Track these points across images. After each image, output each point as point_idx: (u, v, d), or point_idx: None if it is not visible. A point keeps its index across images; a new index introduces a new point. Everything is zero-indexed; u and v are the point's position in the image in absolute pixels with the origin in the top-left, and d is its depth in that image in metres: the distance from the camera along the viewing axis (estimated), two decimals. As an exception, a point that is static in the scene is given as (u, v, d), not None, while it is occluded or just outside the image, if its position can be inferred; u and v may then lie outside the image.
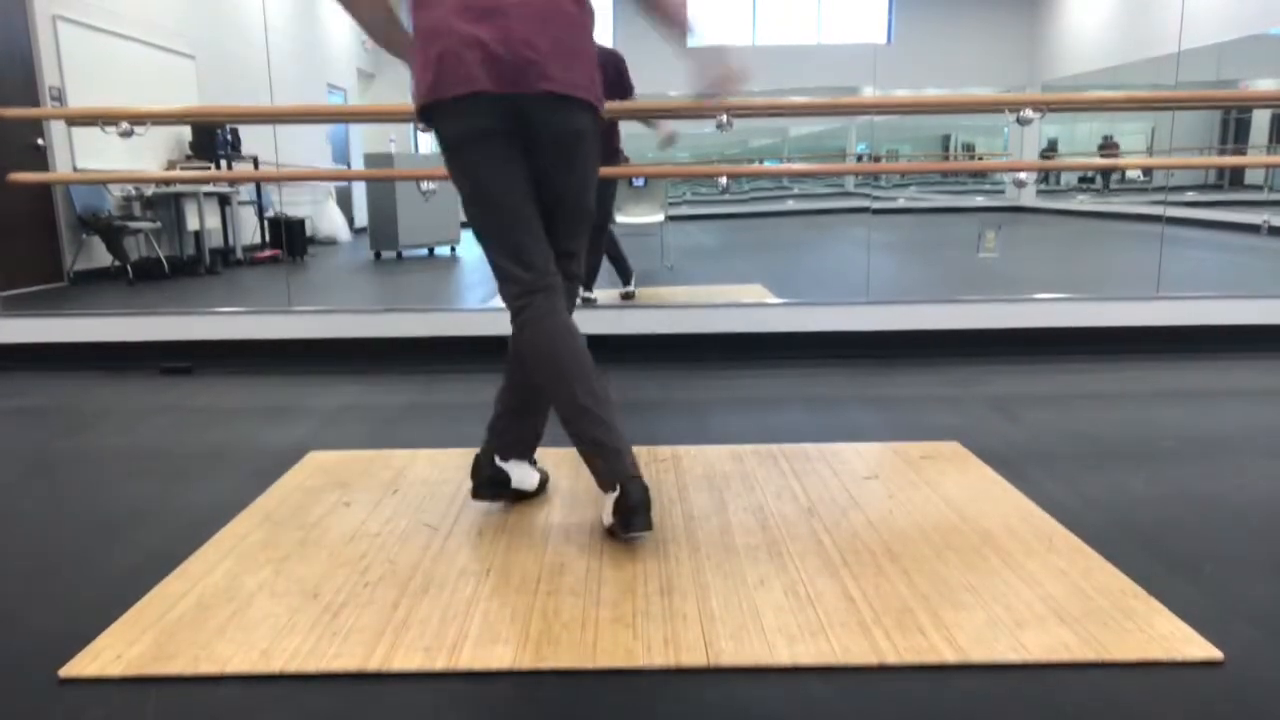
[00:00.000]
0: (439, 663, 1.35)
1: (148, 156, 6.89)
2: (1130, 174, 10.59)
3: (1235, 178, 9.42)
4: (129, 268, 6.09)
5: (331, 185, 8.89)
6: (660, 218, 5.80)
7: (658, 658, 1.35)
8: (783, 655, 1.35)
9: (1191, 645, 1.36)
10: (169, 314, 3.66)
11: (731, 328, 3.57)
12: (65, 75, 6.09)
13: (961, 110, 4.24)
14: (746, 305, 3.62)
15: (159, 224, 6.61)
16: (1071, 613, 1.46)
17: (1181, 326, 3.58)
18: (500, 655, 1.37)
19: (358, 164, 9.74)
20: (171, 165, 7.08)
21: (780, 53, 12.36)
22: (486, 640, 1.41)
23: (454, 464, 2.28)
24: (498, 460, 1.93)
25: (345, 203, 9.01)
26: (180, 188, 6.71)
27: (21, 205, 5.73)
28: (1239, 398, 2.85)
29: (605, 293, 4.62)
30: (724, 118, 3.38)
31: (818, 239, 8.71)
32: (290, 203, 8.06)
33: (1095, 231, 9.29)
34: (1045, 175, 12.24)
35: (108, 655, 1.38)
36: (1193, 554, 1.70)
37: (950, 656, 1.34)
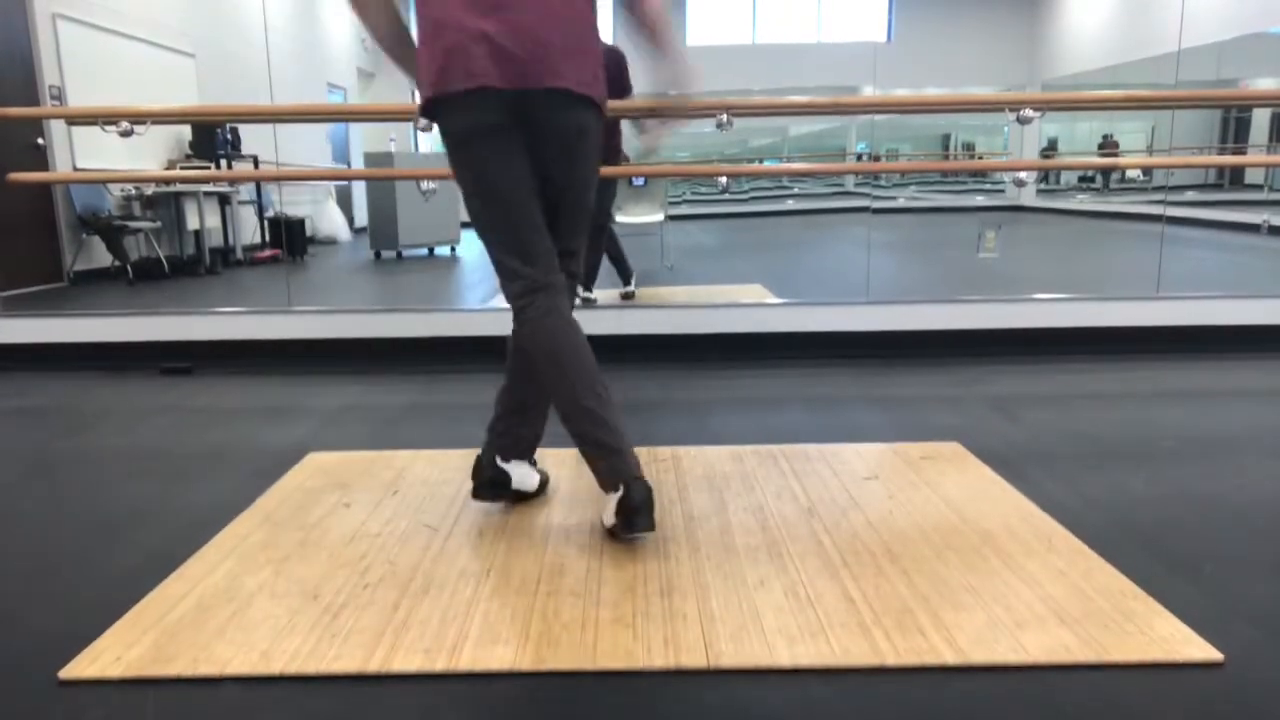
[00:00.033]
0: (439, 664, 1.35)
1: (148, 156, 6.89)
2: (1130, 173, 10.59)
3: (1235, 177, 9.42)
4: (129, 268, 6.09)
5: (331, 185, 8.89)
6: (660, 217, 5.80)
7: (658, 659, 1.35)
8: (783, 656, 1.35)
9: (1191, 646, 1.36)
10: (169, 314, 3.66)
11: (731, 328, 3.57)
12: (65, 74, 6.09)
13: (961, 109, 4.24)
14: (746, 305, 3.62)
15: (159, 224, 6.61)
16: (1071, 614, 1.46)
17: (1182, 326, 3.58)
18: (500, 656, 1.37)
19: (358, 163, 9.74)
20: (171, 165, 7.08)
21: (780, 51, 12.37)
22: (486, 641, 1.41)
23: (454, 464, 2.28)
24: (499, 461, 1.93)
25: (345, 202, 9.01)
26: (180, 187, 6.71)
27: (21, 205, 5.73)
28: (1239, 398, 2.85)
29: (605, 293, 4.62)
30: (724, 117, 3.37)
31: (817, 239, 8.71)
32: (290, 202, 8.06)
33: (1095, 231, 9.29)
34: (1045, 175, 12.24)
35: (107, 656, 1.38)
36: (1193, 554, 1.70)
37: (950, 657, 1.34)
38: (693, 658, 1.35)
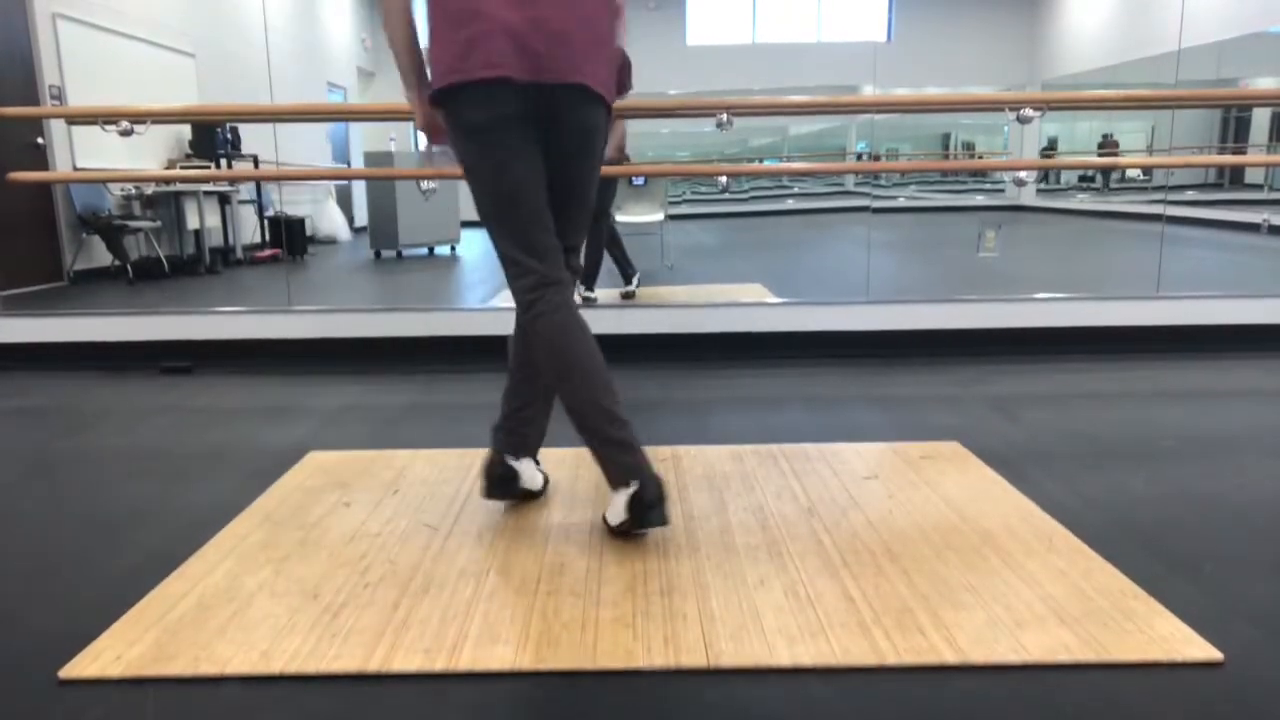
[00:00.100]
0: (439, 663, 1.35)
1: (148, 155, 6.89)
2: (1130, 173, 10.59)
3: (1235, 177, 9.42)
4: (129, 267, 6.09)
5: (331, 184, 8.88)
6: (660, 217, 5.80)
7: (658, 658, 1.35)
8: (783, 656, 1.35)
9: (1191, 646, 1.36)
10: (169, 314, 3.66)
11: (731, 327, 3.57)
12: (65, 74, 6.09)
13: (961, 109, 4.24)
14: (746, 305, 3.62)
15: (159, 223, 6.61)
16: (1071, 613, 1.46)
17: (1181, 326, 3.58)
18: (500, 656, 1.37)
19: (358, 163, 9.74)
20: (171, 164, 7.07)
21: (780, 51, 12.36)
22: (486, 641, 1.41)
23: (454, 464, 2.28)
24: (508, 459, 1.93)
25: (345, 202, 9.01)
26: (180, 187, 6.71)
27: (21, 205, 5.73)
28: (1239, 397, 2.85)
29: (605, 292, 4.62)
30: (724, 116, 3.37)
31: (817, 238, 8.71)
32: (290, 202, 8.06)
33: (1095, 230, 9.29)
34: (1045, 174, 12.24)
35: (108, 656, 1.38)
36: (1193, 554, 1.70)
37: (950, 657, 1.34)
38: (693, 657, 1.35)
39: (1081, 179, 11.55)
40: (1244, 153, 9.26)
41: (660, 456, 2.31)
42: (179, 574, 1.67)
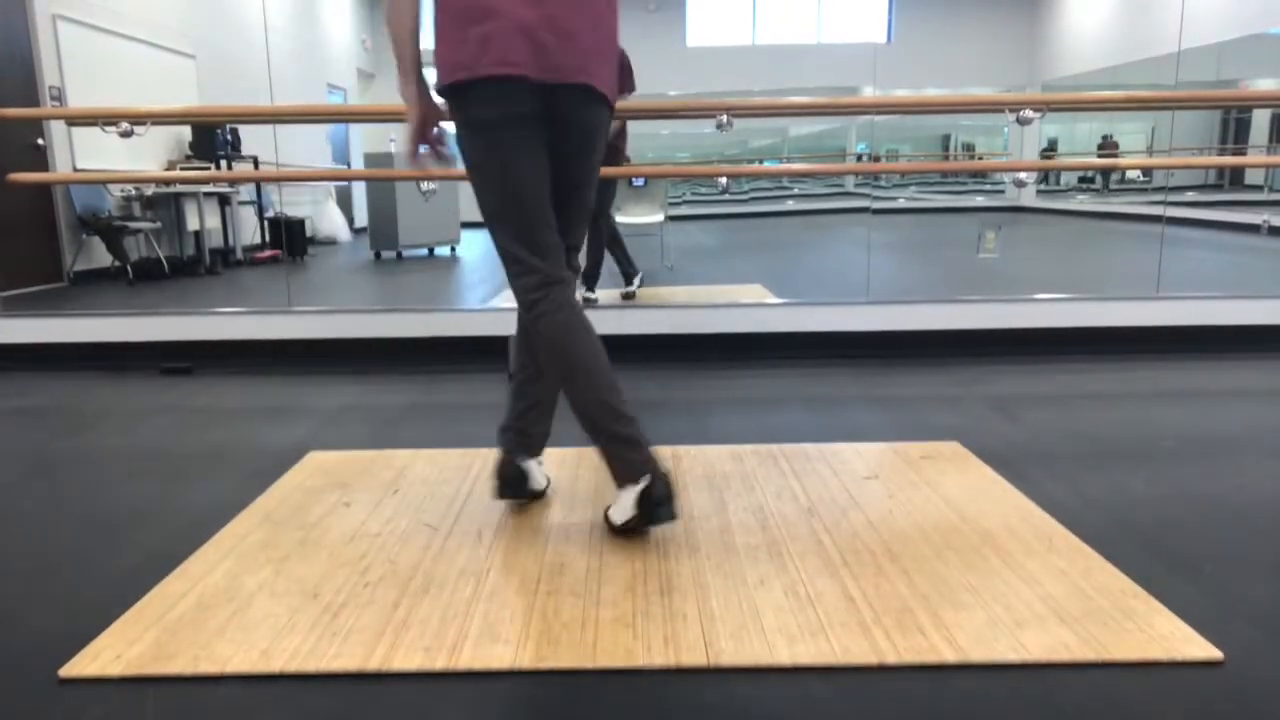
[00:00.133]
0: (439, 663, 1.35)
1: (148, 156, 6.89)
2: (1130, 174, 10.59)
3: (1235, 178, 9.42)
4: (129, 268, 6.09)
5: (331, 185, 8.89)
6: (660, 218, 5.80)
7: (658, 658, 1.35)
8: (783, 655, 1.35)
9: (1191, 645, 1.36)
10: (169, 314, 3.66)
11: (731, 328, 3.57)
12: (65, 75, 6.09)
13: (961, 110, 4.24)
14: (746, 305, 3.62)
15: (159, 224, 6.61)
16: (1071, 613, 1.46)
17: (1181, 326, 3.58)
18: (500, 655, 1.37)
19: (358, 164, 9.74)
20: (171, 165, 7.08)
21: (780, 52, 12.37)
22: (486, 640, 1.41)
23: (454, 464, 2.28)
24: (518, 460, 1.94)
25: (345, 203, 9.01)
26: (180, 188, 6.71)
27: (21, 205, 5.73)
28: (1239, 398, 2.85)
29: (606, 292, 4.62)
30: (724, 118, 3.38)
31: (818, 239, 8.71)
32: (290, 203, 8.06)
33: (1095, 231, 9.29)
34: (1045, 175, 12.24)
35: (108, 655, 1.38)
36: (1193, 554, 1.70)
37: (950, 656, 1.34)
38: (693, 656, 1.35)
39: (1081, 180, 11.55)
40: (1244, 154, 9.26)
41: (660, 456, 2.31)
42: (179, 573, 1.67)
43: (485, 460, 2.30)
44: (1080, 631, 1.40)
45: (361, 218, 8.57)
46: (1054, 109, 3.52)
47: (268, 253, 7.46)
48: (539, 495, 2.03)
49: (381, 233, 7.36)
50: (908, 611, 1.48)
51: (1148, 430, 2.51)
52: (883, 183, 10.73)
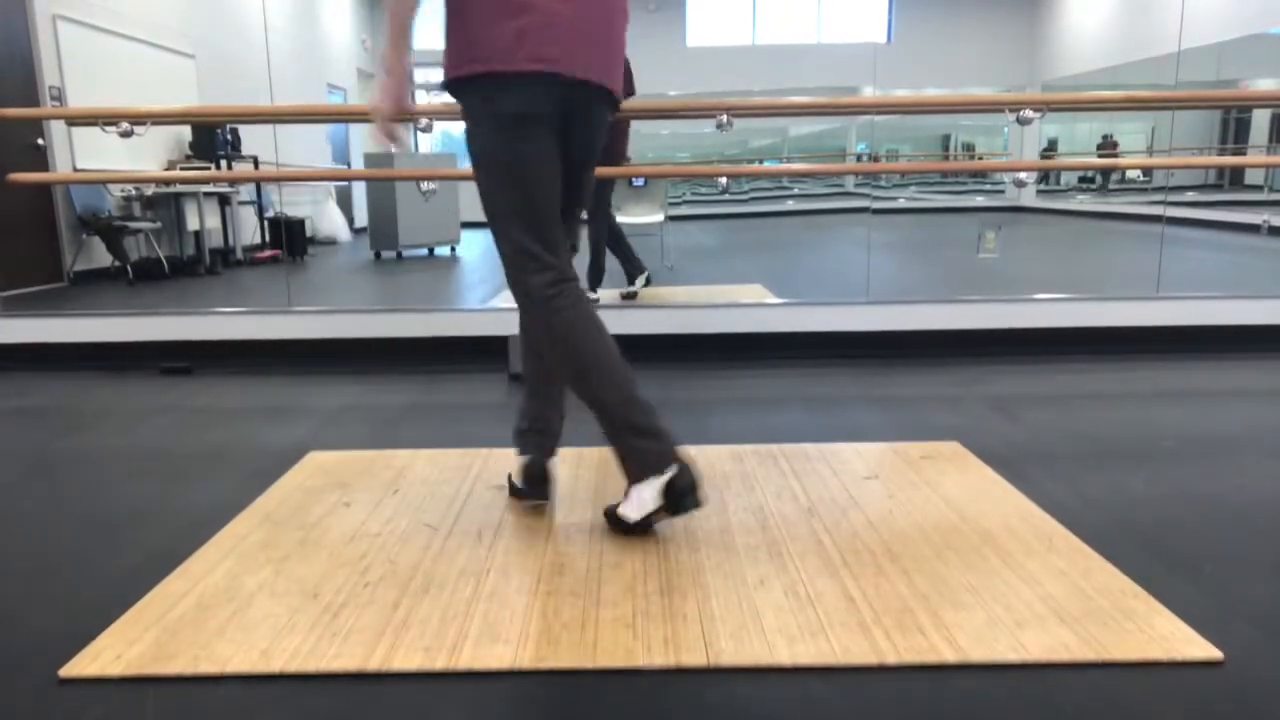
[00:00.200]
0: (439, 663, 1.35)
1: (148, 156, 6.89)
2: (1130, 174, 10.59)
3: (1235, 178, 9.42)
4: (129, 268, 6.09)
5: (331, 185, 8.89)
6: (660, 218, 5.80)
7: (658, 658, 1.35)
8: (783, 655, 1.35)
9: (1191, 645, 1.36)
10: (169, 314, 3.66)
11: (731, 328, 3.57)
12: (65, 75, 6.09)
13: (961, 110, 4.24)
14: (746, 305, 3.62)
15: (159, 224, 6.61)
16: (1071, 613, 1.46)
17: (1182, 326, 3.58)
18: (500, 655, 1.37)
19: (358, 164, 9.74)
20: (171, 165, 7.08)
21: (780, 52, 12.37)
22: (486, 640, 1.41)
23: (454, 464, 2.28)
24: (543, 460, 1.95)
25: (345, 203, 9.01)
26: (180, 188, 6.71)
27: (21, 205, 5.73)
28: (1239, 398, 2.85)
29: (606, 292, 4.62)
30: (724, 118, 3.37)
31: (818, 239, 8.71)
32: (290, 203, 8.06)
33: (1095, 231, 9.29)
34: (1045, 175, 12.24)
35: (108, 655, 1.38)
36: (1193, 554, 1.70)
37: (950, 656, 1.34)
38: (693, 657, 1.35)
39: (1081, 180, 11.55)
40: (1244, 154, 9.26)
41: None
42: (179, 573, 1.67)
43: (485, 460, 2.30)
44: (1080, 631, 1.40)
45: (361, 218, 8.57)
46: (1054, 109, 3.52)
47: (268, 253, 7.46)
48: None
49: (381, 233, 7.36)
50: (908, 611, 1.48)
51: (1148, 430, 2.51)
52: (883, 183, 10.73)
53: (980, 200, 12.00)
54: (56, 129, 6.02)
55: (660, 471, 1.71)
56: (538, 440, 1.95)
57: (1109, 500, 1.99)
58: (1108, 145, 11.35)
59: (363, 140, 9.85)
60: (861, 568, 1.65)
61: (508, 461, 2.29)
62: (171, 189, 6.74)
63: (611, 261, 4.70)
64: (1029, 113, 3.32)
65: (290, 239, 7.25)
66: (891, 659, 1.34)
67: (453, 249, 7.82)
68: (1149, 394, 2.91)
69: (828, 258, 6.62)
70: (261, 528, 1.88)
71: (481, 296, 5.00)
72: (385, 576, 1.64)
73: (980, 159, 12.98)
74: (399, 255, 7.36)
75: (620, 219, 4.86)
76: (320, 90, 9.48)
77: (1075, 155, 11.80)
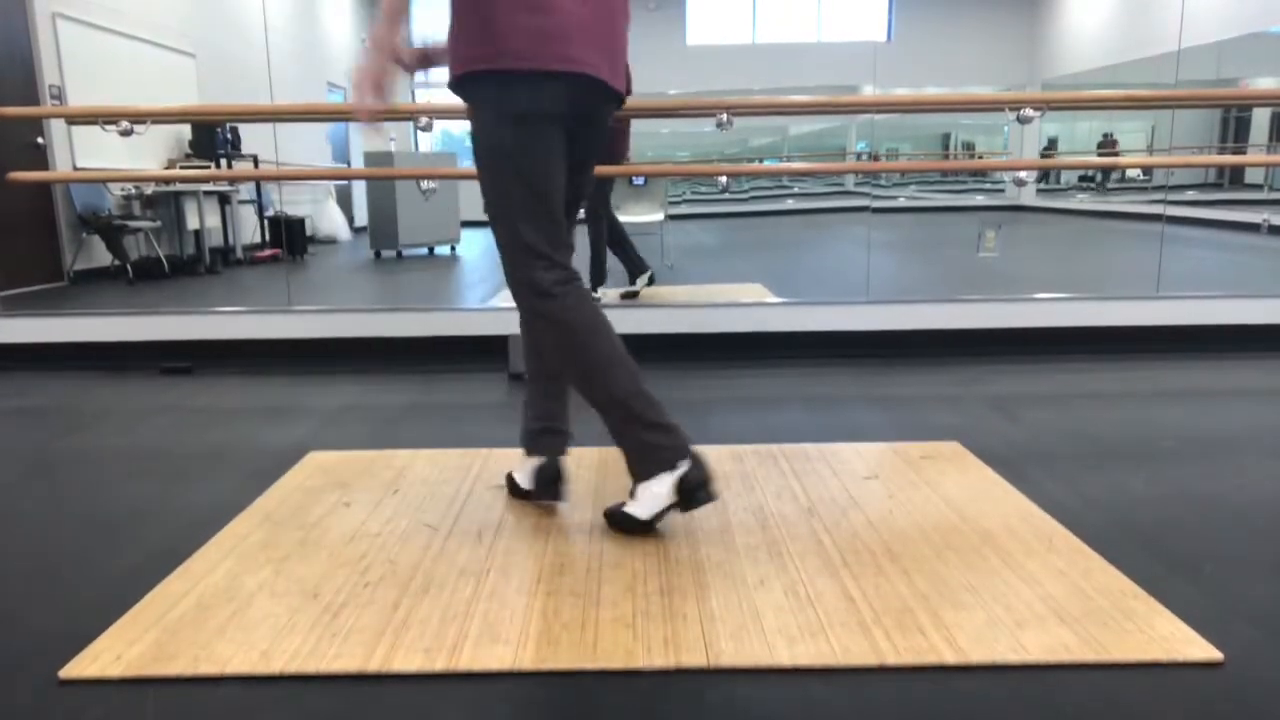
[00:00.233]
0: (439, 663, 1.35)
1: (148, 156, 6.89)
2: (1130, 173, 10.59)
3: (1235, 177, 9.42)
4: (129, 267, 6.09)
5: (331, 184, 8.88)
6: (660, 217, 5.80)
7: (658, 658, 1.35)
8: (783, 655, 1.35)
9: (1192, 646, 1.36)
10: (169, 314, 3.66)
11: (731, 327, 3.57)
12: (65, 74, 6.09)
13: (961, 109, 4.24)
14: (746, 305, 3.62)
15: (159, 223, 6.61)
16: (1071, 613, 1.46)
17: (1182, 326, 3.58)
18: (500, 656, 1.37)
19: (358, 163, 9.74)
20: (171, 164, 7.08)
21: (780, 51, 12.36)
22: (486, 641, 1.41)
23: (454, 464, 2.28)
24: (557, 460, 1.95)
25: (345, 202, 9.01)
26: (180, 187, 6.71)
27: (21, 204, 5.73)
28: (1239, 398, 2.85)
29: (606, 292, 4.62)
30: (724, 116, 3.37)
31: (817, 238, 8.70)
32: (290, 202, 8.06)
33: (1095, 231, 9.29)
34: (1045, 174, 12.24)
35: (107, 656, 1.38)
36: (1193, 554, 1.70)
37: (950, 657, 1.34)
38: (693, 657, 1.35)
39: (1081, 179, 11.55)
40: (1244, 153, 9.26)
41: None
42: (179, 574, 1.67)
43: (485, 460, 2.30)
44: (1080, 632, 1.40)
45: (361, 217, 8.56)
46: (1054, 108, 3.52)
47: (268, 252, 7.46)
48: (531, 494, 2.03)
49: (381, 232, 7.36)
50: (908, 612, 1.48)
51: (1148, 430, 2.51)
52: (883, 182, 10.73)
53: (980, 199, 12.00)
54: (56, 128, 6.01)
55: (674, 466, 1.72)
56: (550, 440, 1.95)
57: (1109, 500, 1.99)
58: (1108, 144, 11.35)
59: (362, 139, 9.85)
60: (861, 568, 1.65)
61: (508, 461, 2.29)
62: (171, 188, 6.74)
63: (612, 261, 4.70)
64: (1029, 111, 3.32)
65: (290, 238, 7.25)
66: (891, 659, 1.34)
67: (453, 248, 7.82)
68: (1149, 394, 2.91)
69: (828, 257, 6.62)
70: (261, 528, 1.88)
71: (481, 296, 5.00)
72: (385, 576, 1.64)
73: (980, 158, 12.97)
74: (399, 254, 7.36)
75: (620, 218, 4.86)
76: (320, 90, 9.48)
77: (1075, 154, 11.79)
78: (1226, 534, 1.79)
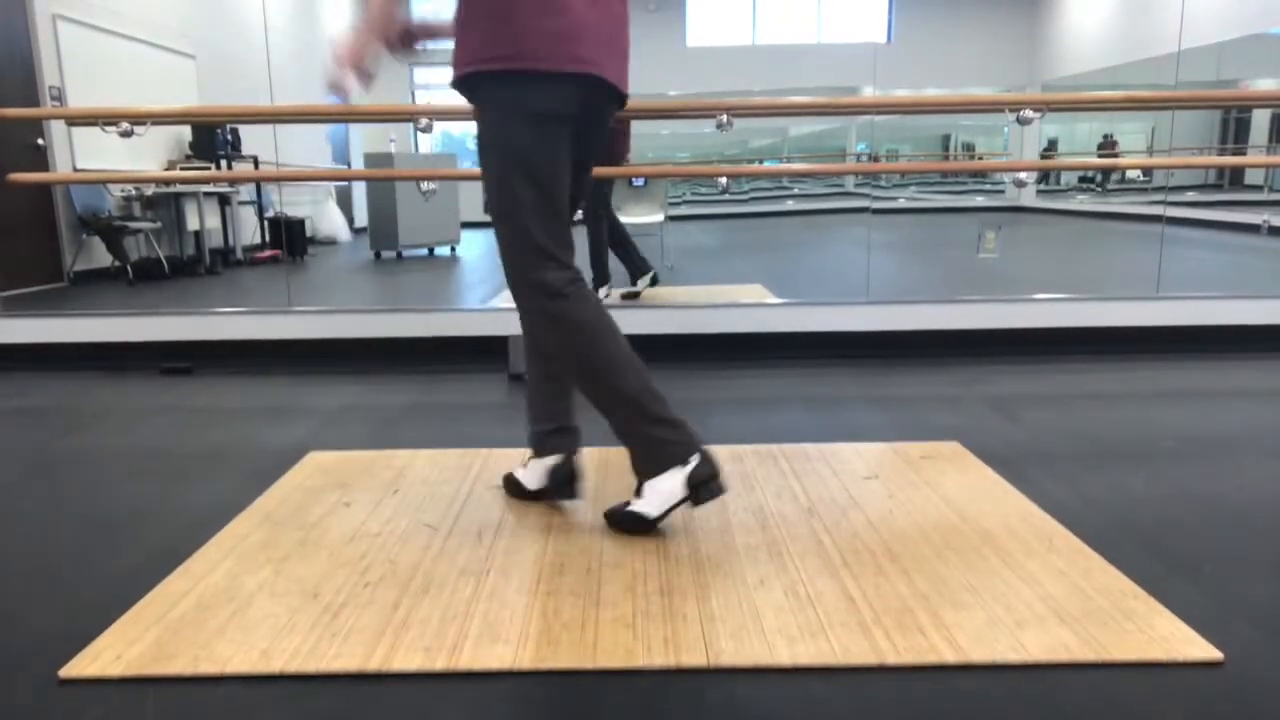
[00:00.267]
0: (439, 663, 1.35)
1: (148, 156, 6.89)
2: (1130, 174, 10.59)
3: (1235, 177, 9.42)
4: (129, 268, 6.09)
5: (331, 185, 8.89)
6: (660, 218, 5.80)
7: (658, 658, 1.35)
8: (783, 655, 1.35)
9: (1192, 646, 1.36)
10: (169, 314, 3.66)
11: (731, 328, 3.57)
12: (65, 75, 6.09)
13: (961, 110, 4.24)
14: (746, 305, 3.62)
15: (159, 224, 6.61)
16: (1071, 613, 1.46)
17: (1181, 326, 3.58)
18: (500, 655, 1.37)
19: (358, 164, 9.74)
20: (171, 165, 7.08)
21: (780, 52, 12.37)
22: (486, 640, 1.41)
23: (454, 464, 2.28)
24: (570, 459, 1.96)
25: (345, 203, 9.01)
26: (180, 188, 6.72)
27: (21, 205, 5.73)
28: (1239, 398, 2.85)
29: (612, 290, 4.62)
30: (724, 117, 3.37)
31: (817, 239, 8.71)
32: (290, 203, 8.06)
33: (1095, 231, 9.29)
34: (1045, 175, 12.24)
35: (108, 655, 1.38)
36: (1193, 554, 1.70)
37: (950, 656, 1.34)
38: (693, 657, 1.35)
39: (1081, 180, 11.55)
40: (1244, 154, 9.26)
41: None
42: (179, 573, 1.67)
43: (485, 460, 2.30)
44: (1080, 632, 1.40)
45: (361, 218, 8.56)
46: (1054, 109, 3.53)
47: (268, 253, 7.46)
48: (532, 494, 2.03)
49: (381, 233, 7.36)
50: (908, 611, 1.48)
51: (1148, 430, 2.51)
52: (883, 183, 10.73)
53: (980, 200, 12.00)
54: (56, 129, 6.02)
55: (684, 461, 1.72)
56: (560, 440, 1.95)
57: (1109, 500, 1.99)
58: (1108, 145, 11.35)
59: (363, 140, 9.85)
60: (861, 568, 1.65)
61: (508, 461, 2.29)
62: (171, 189, 6.75)
63: (613, 261, 4.70)
64: (1029, 113, 3.32)
65: (290, 239, 7.25)
66: (891, 659, 1.34)
67: (453, 249, 7.82)
68: (1149, 394, 2.91)
69: (828, 258, 6.62)
70: (261, 528, 1.88)
71: (481, 296, 5.00)
72: (385, 576, 1.64)
73: (980, 159, 12.98)
74: (399, 255, 7.36)
75: (621, 219, 4.86)
76: (320, 90, 9.48)
77: (1075, 155, 11.79)
78: (1226, 534, 1.79)
